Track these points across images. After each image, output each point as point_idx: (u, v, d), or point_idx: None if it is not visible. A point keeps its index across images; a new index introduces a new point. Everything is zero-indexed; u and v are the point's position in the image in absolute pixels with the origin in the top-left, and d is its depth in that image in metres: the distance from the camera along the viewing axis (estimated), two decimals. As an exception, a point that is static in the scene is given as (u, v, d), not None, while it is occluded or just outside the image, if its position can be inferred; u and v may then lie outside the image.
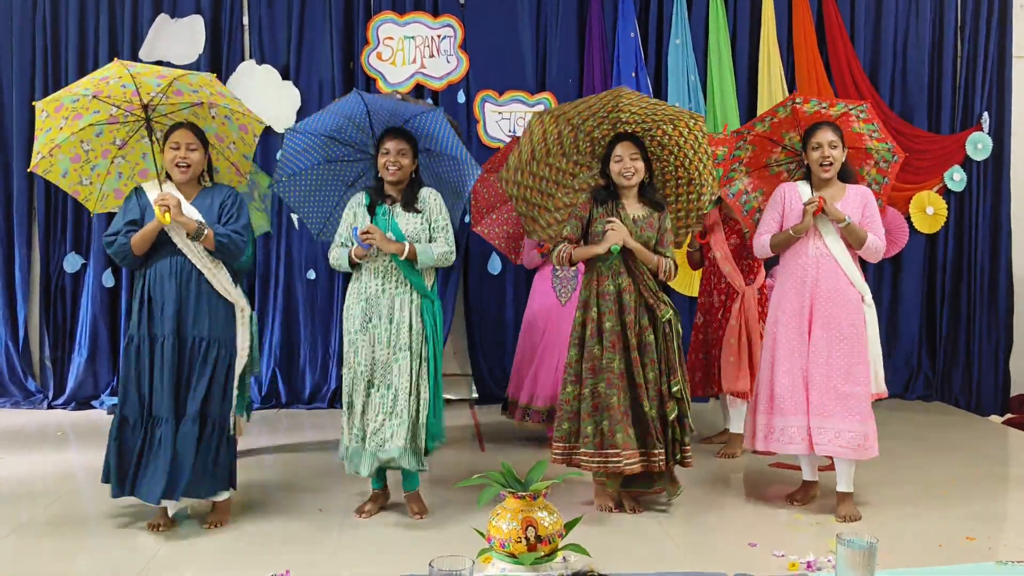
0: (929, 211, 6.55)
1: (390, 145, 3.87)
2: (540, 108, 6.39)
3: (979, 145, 6.53)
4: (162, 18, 6.24)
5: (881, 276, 6.68)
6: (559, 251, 4.00)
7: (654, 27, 6.51)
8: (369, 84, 6.35)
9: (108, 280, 6.27)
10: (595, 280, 3.99)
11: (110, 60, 6.13)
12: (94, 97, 3.70)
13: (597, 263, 3.96)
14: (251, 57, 6.34)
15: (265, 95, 6.14)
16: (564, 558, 2.91)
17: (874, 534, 2.58)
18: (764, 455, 4.27)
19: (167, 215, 3.56)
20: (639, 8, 6.51)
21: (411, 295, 3.85)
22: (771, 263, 4.57)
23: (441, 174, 4.17)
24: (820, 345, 3.89)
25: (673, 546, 3.60)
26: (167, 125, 3.80)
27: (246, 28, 6.39)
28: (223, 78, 6.27)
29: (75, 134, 3.77)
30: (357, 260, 3.85)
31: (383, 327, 3.83)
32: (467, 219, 6.24)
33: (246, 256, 4.56)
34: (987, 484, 4.54)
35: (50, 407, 6.21)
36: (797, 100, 4.06)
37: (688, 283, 6.33)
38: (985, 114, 6.55)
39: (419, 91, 6.38)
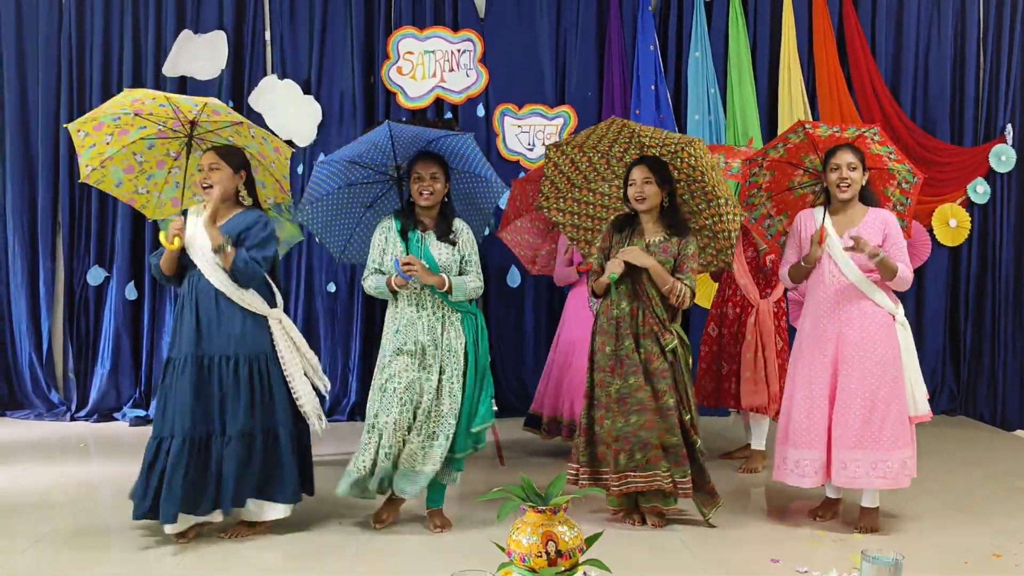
0: (952, 224, 6.50)
1: (422, 170, 3.87)
2: (559, 121, 6.40)
3: (1003, 157, 6.47)
4: (185, 34, 6.31)
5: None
6: (590, 286, 4.12)
7: (673, 40, 6.51)
8: (389, 98, 6.38)
9: (131, 293, 6.32)
10: (605, 306, 4.02)
11: (134, 75, 6.29)
12: (136, 115, 3.84)
13: (609, 290, 3.96)
14: (273, 72, 6.39)
15: (287, 110, 6.19)
16: (584, 573, 2.89)
17: (899, 550, 2.55)
18: None
19: (176, 240, 3.64)
20: (659, 21, 6.52)
21: (449, 315, 3.91)
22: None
23: (467, 192, 4.18)
24: (853, 374, 3.79)
25: (695, 561, 3.57)
26: (211, 143, 3.91)
27: (268, 43, 6.44)
28: (245, 93, 6.34)
29: (126, 147, 3.93)
30: (396, 289, 3.87)
31: (418, 351, 3.86)
32: (486, 231, 6.25)
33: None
34: (1013, 499, 4.48)
35: (73, 419, 6.25)
36: (807, 125, 4.02)
37: (706, 294, 6.29)
38: (1008, 126, 6.50)
39: (439, 105, 6.41)
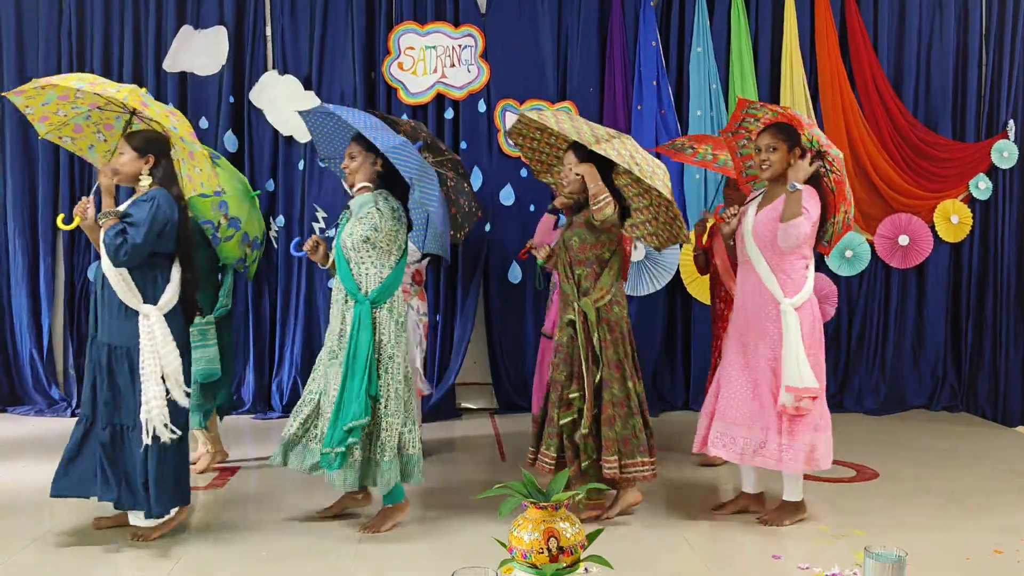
0: (954, 220, 6.49)
1: (345, 152, 3.96)
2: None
3: (1005, 153, 6.46)
4: (186, 29, 6.29)
5: (906, 285, 6.62)
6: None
7: (675, 36, 6.50)
8: (390, 94, 6.37)
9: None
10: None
11: (135, 71, 6.28)
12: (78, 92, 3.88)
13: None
14: (274, 68, 6.38)
15: (288, 106, 6.17)
16: (586, 569, 2.88)
17: (901, 547, 2.54)
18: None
19: (75, 220, 3.72)
20: (660, 16, 6.50)
21: (350, 302, 3.86)
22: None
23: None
24: (751, 357, 3.92)
25: (696, 558, 3.57)
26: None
27: (269, 39, 6.43)
28: (246, 89, 6.32)
29: (66, 90, 3.91)
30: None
31: (331, 338, 3.91)
32: (487, 228, 6.24)
33: (227, 258, 4.72)
34: (1014, 496, 4.47)
35: (73, 415, 6.24)
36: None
37: (705, 291, 6.30)
38: (1011, 122, 6.48)
39: (440, 100, 6.40)
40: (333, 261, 3.95)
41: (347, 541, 3.75)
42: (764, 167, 3.92)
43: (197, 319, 4.56)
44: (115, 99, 3.81)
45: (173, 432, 3.60)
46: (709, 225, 4.99)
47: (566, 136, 3.99)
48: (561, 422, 3.96)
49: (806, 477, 4.68)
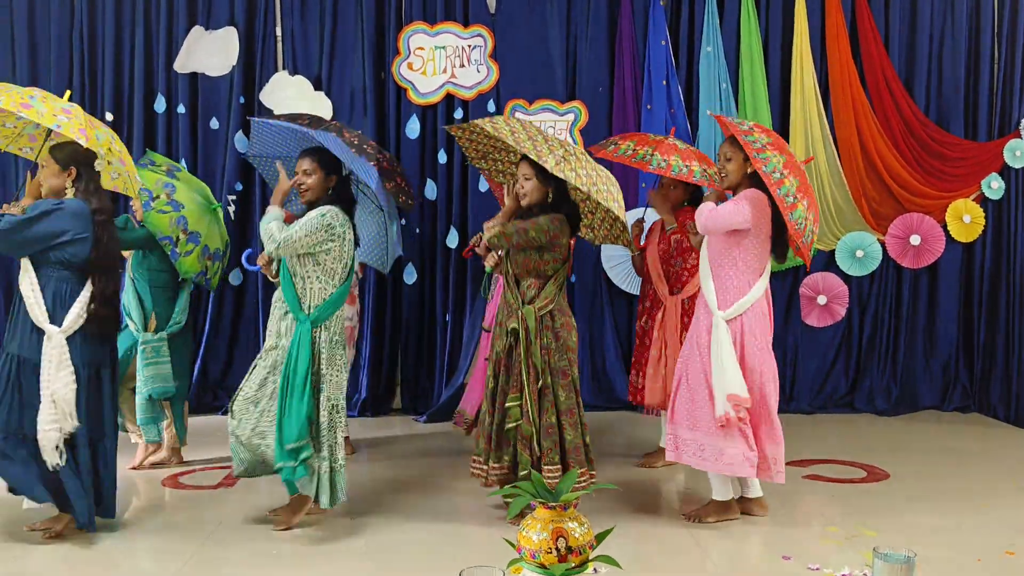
0: (966, 219, 6.45)
1: (298, 168, 3.96)
2: (570, 117, 6.39)
3: (1017, 152, 6.42)
4: (196, 30, 6.31)
5: (917, 285, 6.59)
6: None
7: (685, 35, 6.48)
8: (400, 94, 6.38)
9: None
10: None
11: (146, 71, 6.30)
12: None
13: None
14: (284, 68, 6.39)
15: (298, 105, 6.19)
16: (595, 569, 2.88)
17: (911, 547, 2.54)
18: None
19: None
20: (670, 16, 6.48)
21: (286, 315, 3.90)
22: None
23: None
24: (692, 362, 3.99)
25: (706, 558, 3.56)
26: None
27: (279, 39, 6.44)
28: (257, 89, 6.34)
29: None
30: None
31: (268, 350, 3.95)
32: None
33: (188, 272, 4.74)
34: (1027, 497, 4.45)
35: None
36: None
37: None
38: (1023, 120, 6.44)
39: (449, 100, 6.41)
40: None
41: (356, 537, 3.76)
42: (722, 175, 4.01)
43: (148, 336, 4.60)
44: (33, 120, 3.76)
45: (56, 451, 3.59)
46: (645, 228, 5.04)
47: (523, 152, 3.92)
48: (507, 428, 3.93)
49: (814, 477, 4.69)
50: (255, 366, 3.95)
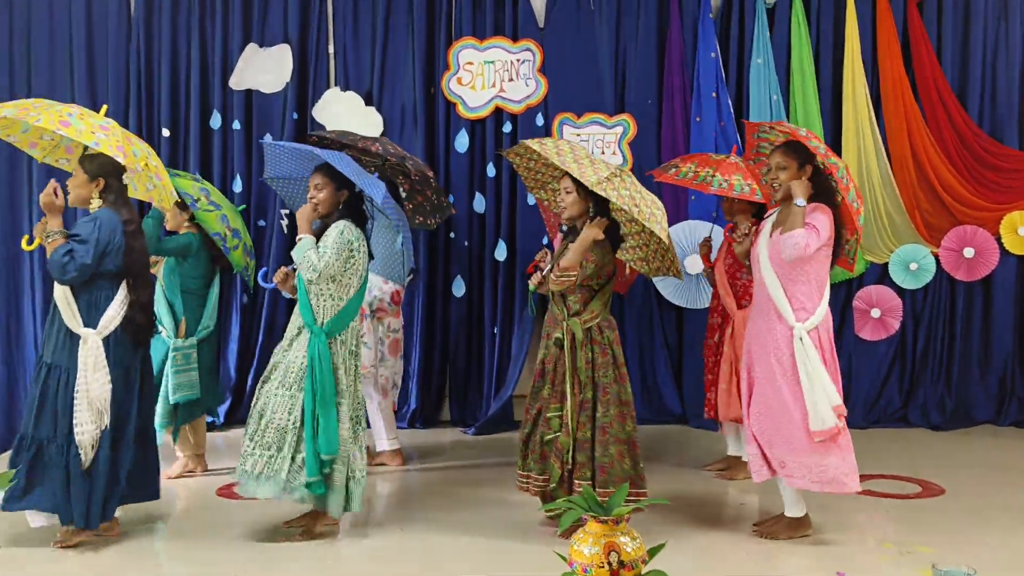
0: (1021, 232, 6.33)
1: (310, 182, 4.04)
2: (619, 130, 6.40)
3: (1073, 163, 6.30)
4: (251, 47, 6.45)
5: (972, 298, 6.48)
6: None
7: (735, 46, 6.46)
8: (449, 108, 6.45)
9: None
10: None
11: (201, 87, 6.43)
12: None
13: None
14: (336, 84, 6.50)
15: (349, 121, 6.28)
16: (647, 584, 2.88)
17: (970, 564, 2.51)
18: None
19: (35, 241, 3.88)
20: (720, 28, 6.47)
21: (300, 329, 3.96)
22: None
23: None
24: (757, 375, 3.92)
25: (759, 573, 3.54)
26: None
27: (331, 56, 6.55)
28: (309, 105, 6.46)
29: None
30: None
31: (282, 363, 3.98)
32: (544, 240, 6.27)
33: (196, 278, 4.91)
34: (1088, 515, 4.36)
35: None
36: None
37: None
38: (1080, 131, 6.32)
39: (498, 115, 6.46)
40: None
41: (407, 545, 3.80)
42: (775, 186, 3.93)
43: (179, 342, 4.71)
44: (72, 139, 3.86)
45: (92, 448, 3.70)
46: (714, 245, 5.08)
47: (565, 170, 3.98)
48: (545, 440, 3.95)
49: (868, 492, 4.63)
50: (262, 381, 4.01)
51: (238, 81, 6.45)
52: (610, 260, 4.02)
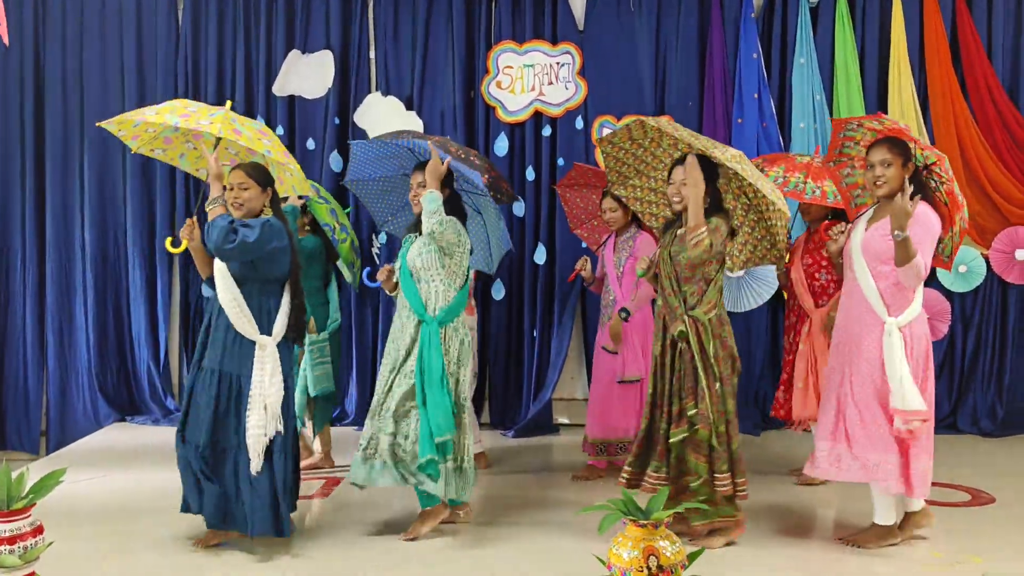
0: (1073, 235, 6.19)
1: (412, 180, 4.10)
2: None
3: None
4: (294, 54, 6.52)
5: (1023, 301, 6.33)
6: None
7: (777, 46, 6.40)
8: (489, 112, 6.46)
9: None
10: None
11: (246, 93, 6.52)
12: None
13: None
14: (377, 89, 6.55)
15: (390, 125, 6.32)
16: (687, 589, 2.85)
17: (1021, 575, 2.44)
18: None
19: (184, 243, 3.90)
20: (761, 28, 6.41)
21: (410, 318, 3.99)
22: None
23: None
24: (854, 376, 3.79)
25: (800, 581, 3.49)
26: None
27: (372, 61, 6.61)
28: (351, 110, 6.51)
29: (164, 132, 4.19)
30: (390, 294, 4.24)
31: (396, 355, 4.02)
32: (583, 243, 6.25)
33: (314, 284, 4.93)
34: None
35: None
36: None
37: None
38: None
39: (537, 118, 6.45)
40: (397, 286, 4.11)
41: (449, 546, 3.80)
42: (879, 183, 3.73)
43: (313, 337, 4.74)
44: (208, 133, 3.93)
45: (258, 457, 3.68)
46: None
47: (685, 143, 3.92)
48: (672, 439, 3.86)
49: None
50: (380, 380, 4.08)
51: (281, 87, 6.52)
52: (724, 249, 3.94)
